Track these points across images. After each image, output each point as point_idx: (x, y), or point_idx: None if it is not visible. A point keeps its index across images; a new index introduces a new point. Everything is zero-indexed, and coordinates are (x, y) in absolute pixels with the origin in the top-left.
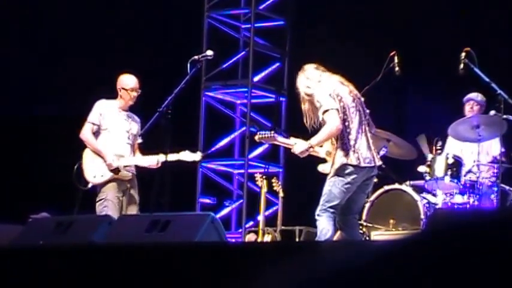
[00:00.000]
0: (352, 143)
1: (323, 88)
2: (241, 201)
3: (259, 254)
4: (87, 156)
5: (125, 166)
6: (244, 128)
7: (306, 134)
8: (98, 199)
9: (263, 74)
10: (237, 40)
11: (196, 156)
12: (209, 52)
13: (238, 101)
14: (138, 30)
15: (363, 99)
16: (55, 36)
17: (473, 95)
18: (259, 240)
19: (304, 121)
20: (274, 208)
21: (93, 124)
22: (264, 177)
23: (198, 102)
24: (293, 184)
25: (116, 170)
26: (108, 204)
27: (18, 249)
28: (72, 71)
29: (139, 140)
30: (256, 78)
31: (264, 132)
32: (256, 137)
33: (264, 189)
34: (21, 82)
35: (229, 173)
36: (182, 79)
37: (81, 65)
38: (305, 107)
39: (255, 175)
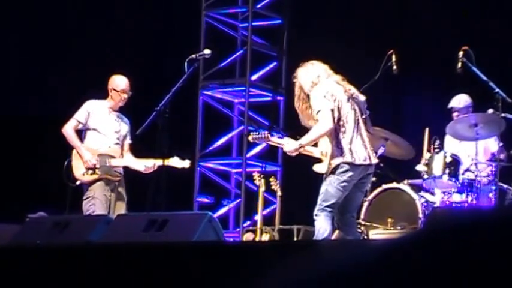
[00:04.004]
0: (347, 141)
1: (318, 89)
2: (239, 200)
3: (257, 253)
4: (77, 154)
5: (113, 166)
6: (242, 127)
7: (304, 132)
8: (85, 197)
9: (261, 72)
10: (235, 39)
11: (185, 163)
12: (207, 51)
13: (236, 100)
14: (136, 29)
15: (363, 98)
16: (53, 36)
17: (454, 102)
18: (257, 239)
19: (301, 121)
20: (272, 207)
21: (78, 122)
22: (261, 176)
23: (195, 101)
24: (291, 183)
25: (92, 169)
26: (96, 203)
27: (15, 249)
28: (69, 71)
29: (129, 141)
30: (253, 77)
31: (257, 133)
32: (250, 137)
33: (262, 188)
34: (18, 82)
35: (227, 172)
36: (180, 78)
37: (77, 65)
38: (299, 105)
39: (253, 174)
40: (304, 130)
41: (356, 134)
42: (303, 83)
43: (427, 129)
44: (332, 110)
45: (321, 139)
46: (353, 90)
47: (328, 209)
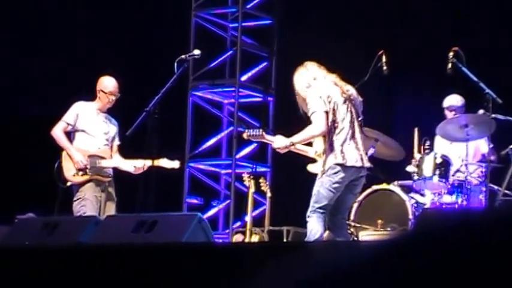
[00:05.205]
0: (339, 143)
1: (314, 90)
2: (229, 201)
3: (246, 254)
4: (67, 155)
5: (103, 167)
6: (231, 128)
7: (294, 133)
8: (75, 198)
9: (251, 73)
10: (225, 39)
11: (175, 163)
12: (196, 51)
13: (226, 101)
14: (126, 29)
15: (360, 99)
16: (42, 36)
17: (452, 101)
18: (246, 240)
19: (301, 111)
20: (262, 208)
21: (67, 124)
22: (251, 177)
23: (185, 102)
24: (281, 184)
25: (83, 170)
26: (86, 204)
27: (4, 250)
28: (58, 71)
29: (118, 142)
30: (243, 78)
31: (252, 130)
32: (245, 135)
33: (252, 190)
34: (7, 82)
35: (216, 173)
36: (169, 78)
37: (67, 65)
38: (299, 100)
39: (243, 175)
40: (295, 131)
41: (350, 136)
42: (299, 89)
43: (416, 130)
44: (326, 112)
45: (316, 139)
46: (351, 91)
47: (321, 211)
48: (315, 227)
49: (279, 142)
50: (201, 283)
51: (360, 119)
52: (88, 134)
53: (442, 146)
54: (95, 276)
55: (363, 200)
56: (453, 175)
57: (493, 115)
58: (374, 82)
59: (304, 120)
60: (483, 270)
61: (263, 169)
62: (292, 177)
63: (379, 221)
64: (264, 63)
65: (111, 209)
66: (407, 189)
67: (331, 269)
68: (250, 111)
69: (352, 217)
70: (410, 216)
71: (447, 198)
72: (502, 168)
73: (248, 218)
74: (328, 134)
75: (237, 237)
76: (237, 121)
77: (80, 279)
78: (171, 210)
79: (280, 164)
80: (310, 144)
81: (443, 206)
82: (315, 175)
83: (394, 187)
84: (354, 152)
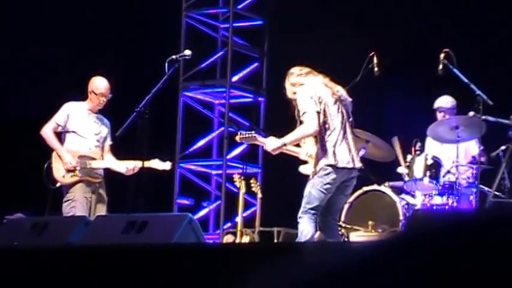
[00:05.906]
0: (331, 144)
1: (305, 91)
2: (219, 202)
3: (237, 255)
4: (57, 156)
5: (94, 168)
6: (222, 128)
7: (285, 134)
8: (65, 199)
9: (241, 74)
10: (216, 40)
11: (166, 165)
12: (187, 52)
13: (217, 101)
14: (116, 29)
15: (350, 99)
16: (42, 36)
17: (441, 102)
18: (237, 241)
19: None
20: (253, 209)
21: (58, 124)
22: (242, 178)
23: (175, 102)
24: (271, 185)
25: (72, 171)
26: (76, 205)
27: None
28: (49, 72)
29: (110, 142)
30: (234, 78)
31: (244, 132)
32: (237, 137)
33: (242, 190)
34: (7, 82)
35: (207, 173)
36: (160, 79)
37: (58, 66)
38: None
39: (233, 176)
40: (286, 131)
41: (342, 137)
42: (291, 95)
43: (395, 139)
44: (318, 113)
45: (307, 141)
46: (341, 92)
47: (312, 212)
48: (306, 228)
49: (271, 144)
50: (191, 284)
51: (350, 119)
52: (79, 135)
53: (433, 147)
54: (85, 276)
55: (354, 201)
56: (444, 176)
57: (484, 117)
58: (365, 83)
59: (295, 122)
60: (473, 271)
61: (254, 170)
62: (283, 178)
63: (370, 222)
64: (255, 64)
65: (101, 211)
66: (398, 191)
67: (322, 270)
68: (241, 112)
69: (343, 218)
70: (401, 218)
71: (438, 200)
72: (492, 170)
73: (239, 219)
74: (320, 135)
75: (228, 238)
76: (228, 122)
77: (70, 280)
78: (161, 210)
79: (271, 165)
80: (299, 145)
81: (434, 207)
82: (306, 176)
83: (385, 188)
84: (345, 153)
